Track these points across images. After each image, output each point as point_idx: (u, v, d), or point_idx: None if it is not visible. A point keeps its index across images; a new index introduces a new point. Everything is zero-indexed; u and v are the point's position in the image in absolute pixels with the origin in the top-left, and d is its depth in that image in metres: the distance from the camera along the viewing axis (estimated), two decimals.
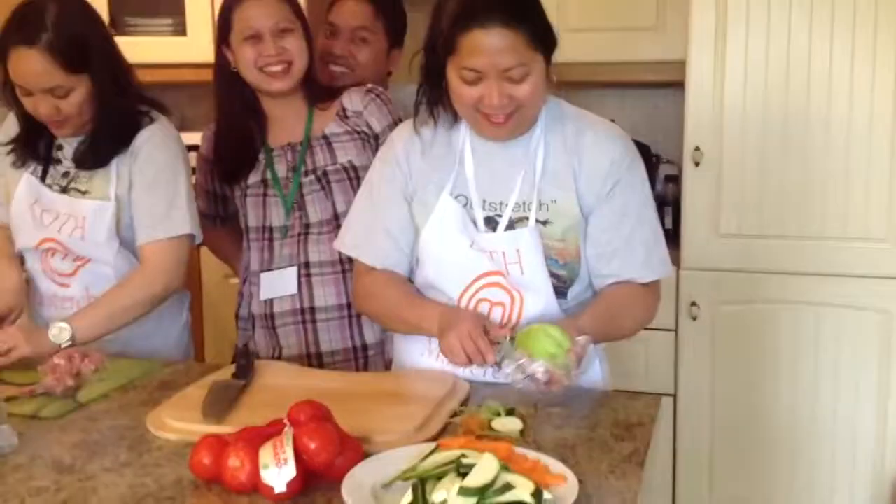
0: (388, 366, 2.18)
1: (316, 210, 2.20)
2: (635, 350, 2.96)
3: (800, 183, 2.84)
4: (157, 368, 1.94)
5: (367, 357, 2.23)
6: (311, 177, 2.21)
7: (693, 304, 2.95)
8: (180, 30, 3.54)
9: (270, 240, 2.23)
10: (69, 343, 1.94)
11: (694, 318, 2.96)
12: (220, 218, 2.39)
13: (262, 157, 2.24)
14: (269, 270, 2.22)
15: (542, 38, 1.72)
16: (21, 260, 2.17)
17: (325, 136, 2.23)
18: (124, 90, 2.08)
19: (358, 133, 2.21)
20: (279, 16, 2.13)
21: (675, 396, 2.99)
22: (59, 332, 1.94)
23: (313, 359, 2.20)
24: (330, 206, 2.19)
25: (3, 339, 1.90)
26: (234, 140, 2.23)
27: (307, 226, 2.21)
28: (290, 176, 2.22)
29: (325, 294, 2.20)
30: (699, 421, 3.00)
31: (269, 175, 2.22)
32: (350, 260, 2.12)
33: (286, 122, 2.24)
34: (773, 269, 2.89)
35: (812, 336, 2.88)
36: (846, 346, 2.87)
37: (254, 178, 2.24)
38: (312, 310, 2.20)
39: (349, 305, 2.20)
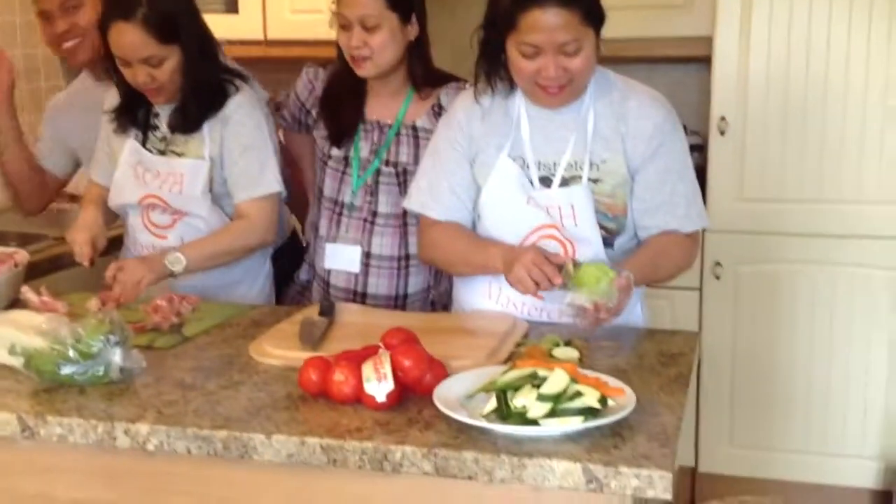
0: None
1: (387, 201, 2.36)
2: (661, 307, 3.15)
3: (818, 149, 3.06)
4: (246, 310, 2.18)
5: None
6: (391, 169, 2.35)
7: (717, 263, 3.16)
8: (232, 7, 3.75)
9: (340, 214, 2.40)
10: (181, 272, 2.19)
11: (717, 278, 3.18)
12: (304, 127, 2.53)
13: None
14: (335, 242, 2.40)
15: (593, 14, 1.93)
16: (117, 217, 2.43)
17: (414, 127, 2.35)
18: (210, 60, 2.31)
19: None
20: (367, 9, 2.22)
21: (699, 350, 3.21)
22: (176, 260, 2.18)
23: None
24: (401, 202, 2.27)
25: (132, 271, 2.12)
26: (349, 102, 2.37)
27: (374, 213, 2.37)
28: (371, 158, 2.37)
29: (379, 284, 2.38)
30: (721, 372, 3.22)
31: (351, 152, 2.38)
32: (407, 258, 2.37)
33: (382, 98, 2.37)
34: (792, 230, 3.11)
35: (829, 293, 3.10)
36: (859, 302, 3.08)
37: (336, 150, 2.40)
38: (364, 295, 2.39)
39: (396, 297, 2.39)
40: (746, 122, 3.11)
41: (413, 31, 2.30)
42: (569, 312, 1.84)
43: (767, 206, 3.12)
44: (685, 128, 3.55)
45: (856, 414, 3.14)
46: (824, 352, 3.14)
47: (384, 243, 2.37)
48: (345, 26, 2.26)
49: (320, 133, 2.45)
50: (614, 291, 1.82)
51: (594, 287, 1.82)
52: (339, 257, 2.40)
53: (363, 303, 2.38)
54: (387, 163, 2.36)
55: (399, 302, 2.39)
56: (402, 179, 2.35)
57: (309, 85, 2.48)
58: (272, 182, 2.32)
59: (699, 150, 3.47)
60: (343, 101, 2.39)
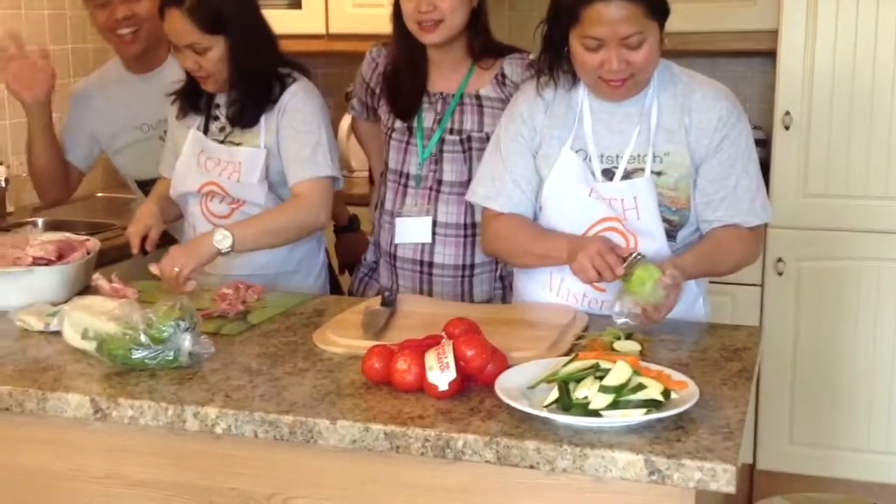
0: None
1: (452, 169, 2.37)
2: (723, 302, 3.13)
3: (884, 146, 3.01)
4: (308, 299, 2.21)
5: None
6: (456, 137, 2.36)
7: (779, 260, 3.13)
8: (295, 3, 3.80)
9: (406, 186, 2.42)
10: (229, 250, 2.21)
11: (780, 274, 3.14)
12: (371, 112, 2.58)
13: None
14: (402, 216, 2.41)
15: (657, 7, 1.93)
16: (178, 207, 2.50)
17: (478, 97, 2.36)
18: (261, 53, 2.35)
19: None
20: None
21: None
22: (223, 239, 2.20)
23: None
24: (466, 171, 2.33)
25: (172, 261, 2.16)
26: (410, 76, 2.38)
27: (440, 182, 2.38)
28: (434, 128, 2.39)
29: (445, 253, 2.39)
30: (782, 369, 3.19)
31: (415, 123, 2.40)
32: (473, 226, 2.36)
33: (444, 70, 2.38)
34: (856, 227, 3.07)
35: (893, 290, 3.06)
36: None
37: (400, 122, 2.42)
38: (431, 264, 2.40)
39: (464, 266, 2.40)
40: (811, 116, 3.07)
41: None
42: (619, 319, 1.83)
43: (832, 202, 3.09)
44: None
45: None
46: (887, 349, 3.09)
47: (450, 211, 2.38)
48: None
49: (384, 108, 2.46)
50: (661, 292, 1.81)
51: (640, 290, 1.81)
52: (410, 230, 2.40)
53: (430, 273, 2.40)
54: (451, 131, 2.37)
55: (466, 272, 2.39)
56: (468, 146, 2.36)
57: (373, 63, 2.51)
58: (324, 166, 2.34)
59: (763, 145, 3.43)
60: (404, 77, 2.40)
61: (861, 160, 3.04)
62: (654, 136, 2.00)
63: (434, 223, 2.39)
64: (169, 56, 2.73)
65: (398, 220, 2.42)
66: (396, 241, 2.42)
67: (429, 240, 2.39)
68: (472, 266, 2.40)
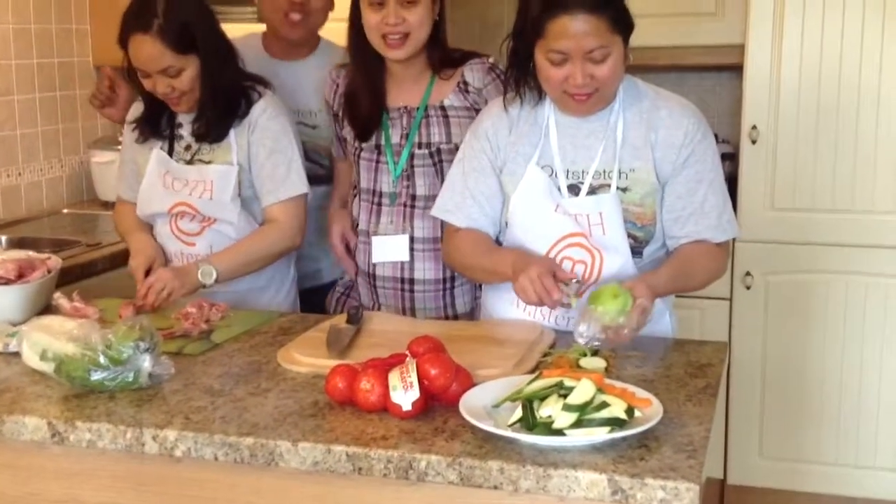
0: None
1: (424, 184, 2.34)
2: (691, 317, 3.14)
3: (851, 159, 3.03)
4: (274, 317, 2.19)
5: None
6: (425, 150, 2.34)
7: (747, 273, 3.14)
8: (261, 16, 3.77)
9: (379, 204, 2.38)
10: (213, 282, 2.22)
11: (748, 288, 3.15)
12: (343, 143, 2.50)
13: None
14: (378, 235, 2.38)
15: (622, 22, 1.93)
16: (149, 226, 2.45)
17: (442, 107, 2.33)
18: (229, 68, 2.33)
19: (476, 111, 2.27)
20: None
21: (728, 360, 3.19)
22: (208, 273, 2.21)
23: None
24: (438, 184, 2.27)
25: (162, 282, 2.15)
26: (367, 93, 2.35)
27: (413, 197, 2.35)
28: (403, 143, 2.35)
29: (425, 268, 2.36)
30: (751, 382, 3.19)
31: (382, 140, 2.37)
32: None
33: (405, 84, 2.34)
34: (823, 240, 3.08)
35: (860, 303, 3.07)
36: (892, 312, 3.05)
37: (368, 141, 2.38)
38: (412, 281, 2.37)
39: (444, 280, 2.37)
40: (778, 130, 3.09)
41: (437, 8, 2.29)
42: (581, 339, 1.82)
43: (798, 215, 3.10)
44: (716, 136, 3.56)
45: (888, 425, 3.10)
46: (855, 362, 3.11)
47: (426, 226, 2.35)
48: (379, 4, 2.22)
49: (348, 129, 2.42)
50: (632, 317, 1.80)
51: (609, 305, 1.79)
52: (387, 249, 2.37)
53: (411, 290, 2.37)
54: (419, 145, 2.34)
55: (447, 285, 2.37)
56: (438, 159, 2.33)
57: (333, 85, 2.46)
58: (298, 184, 2.34)
59: (730, 159, 3.45)
60: (362, 93, 2.36)
61: (827, 174, 3.06)
62: (619, 152, 2.00)
63: (411, 239, 2.36)
64: (320, 45, 2.74)
65: (375, 240, 2.38)
66: (374, 260, 2.39)
67: (407, 258, 2.36)
68: (453, 278, 2.37)
